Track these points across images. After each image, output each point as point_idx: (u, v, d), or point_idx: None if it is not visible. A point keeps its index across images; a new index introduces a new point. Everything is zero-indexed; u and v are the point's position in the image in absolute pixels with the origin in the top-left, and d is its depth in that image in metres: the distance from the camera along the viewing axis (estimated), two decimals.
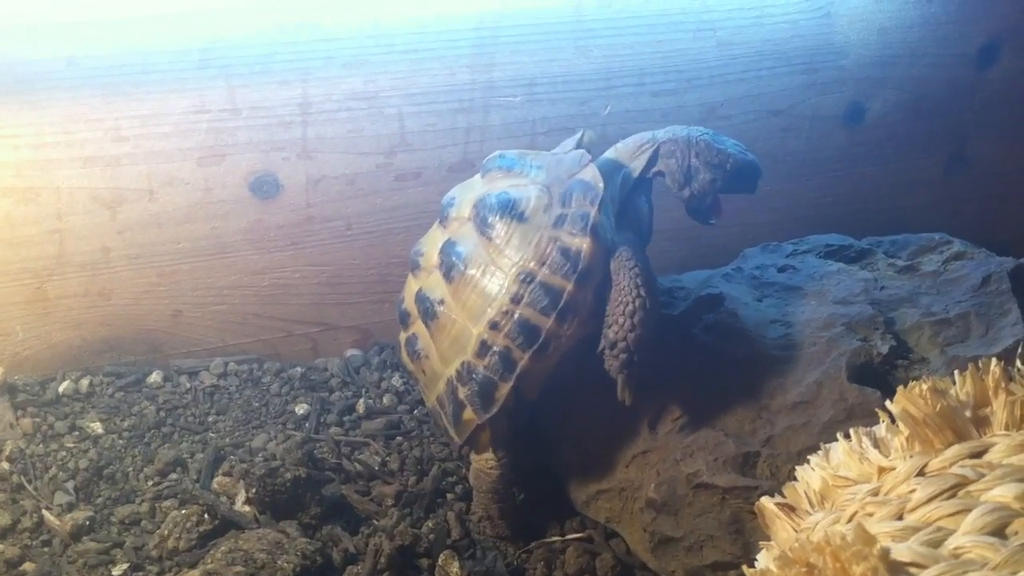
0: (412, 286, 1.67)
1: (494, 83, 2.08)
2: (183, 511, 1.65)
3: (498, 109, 2.10)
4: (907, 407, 1.09)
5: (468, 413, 1.58)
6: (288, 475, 1.65)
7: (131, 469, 1.81)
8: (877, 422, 1.20)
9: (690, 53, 2.17)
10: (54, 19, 1.85)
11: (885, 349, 1.60)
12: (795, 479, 1.23)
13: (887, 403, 1.14)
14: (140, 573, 1.57)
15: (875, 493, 1.07)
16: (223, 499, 1.71)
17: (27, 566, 1.57)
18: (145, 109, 1.91)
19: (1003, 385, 1.10)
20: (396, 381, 2.08)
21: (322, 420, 1.96)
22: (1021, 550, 0.87)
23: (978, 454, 1.04)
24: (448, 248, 1.60)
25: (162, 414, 1.95)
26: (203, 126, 1.95)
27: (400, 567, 1.56)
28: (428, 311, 1.60)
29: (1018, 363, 1.13)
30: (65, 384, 1.98)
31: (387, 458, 1.86)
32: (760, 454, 1.52)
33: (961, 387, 1.13)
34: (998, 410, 1.09)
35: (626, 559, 1.63)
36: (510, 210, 1.56)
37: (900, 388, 1.11)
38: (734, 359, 1.64)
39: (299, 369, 2.11)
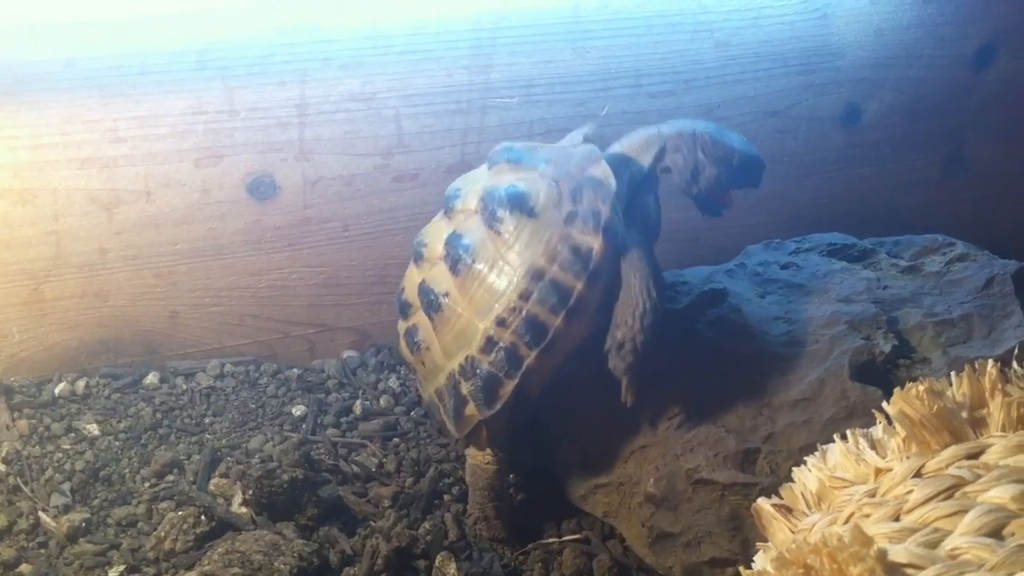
0: (414, 276, 1.66)
1: (492, 84, 2.08)
2: (180, 513, 1.64)
3: (496, 110, 2.10)
4: (904, 408, 1.09)
5: (470, 408, 1.58)
6: (285, 476, 1.65)
7: (128, 471, 1.80)
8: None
9: (687, 54, 2.17)
10: (52, 20, 1.85)
11: (887, 348, 1.60)
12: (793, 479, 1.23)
13: (884, 404, 1.14)
14: (137, 575, 1.57)
15: (872, 494, 1.07)
16: (220, 500, 1.70)
17: (23, 568, 1.57)
18: (143, 110, 1.91)
19: (1000, 386, 1.10)
20: (393, 382, 2.08)
21: (319, 421, 1.96)
22: (1018, 551, 0.87)
23: (975, 455, 1.04)
24: (454, 240, 1.58)
25: (159, 416, 1.94)
26: (200, 127, 1.95)
27: (397, 568, 1.56)
28: (432, 303, 1.59)
29: (1015, 365, 1.13)
30: (61, 386, 1.98)
31: (384, 459, 1.85)
32: (760, 450, 1.52)
33: (958, 388, 1.13)
34: (995, 411, 1.09)
35: (623, 560, 1.63)
36: (520, 204, 1.54)
37: (897, 389, 1.12)
38: (736, 355, 1.64)
39: (296, 370, 2.10)
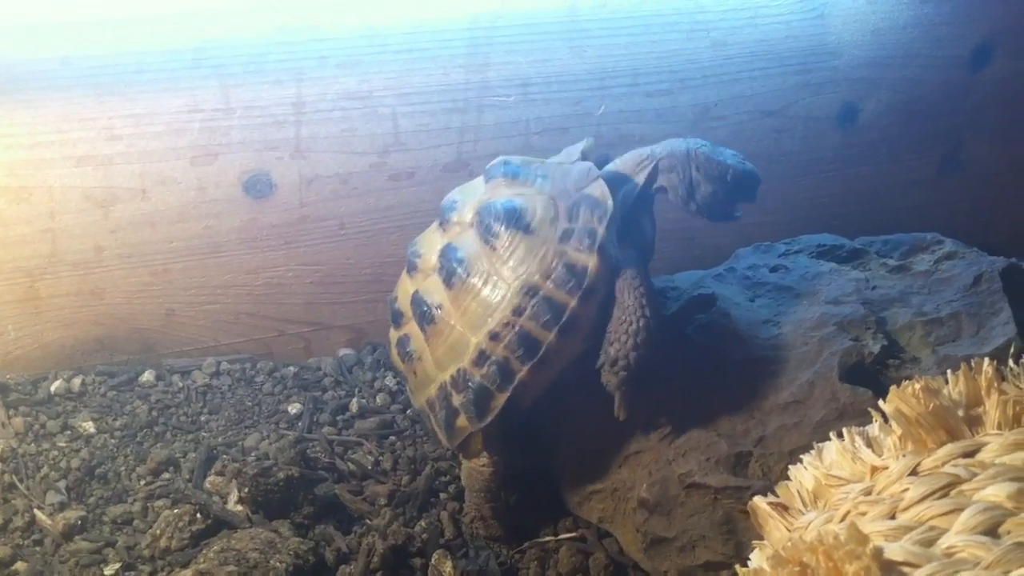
0: (407, 286, 1.66)
1: (488, 83, 2.08)
2: (175, 510, 1.64)
3: (492, 109, 2.09)
4: (900, 406, 1.09)
5: (462, 420, 1.58)
6: (281, 474, 1.65)
7: (123, 468, 1.80)
8: (869, 421, 1.20)
9: (684, 53, 2.17)
10: (49, 19, 1.85)
11: (877, 349, 1.60)
12: (788, 478, 1.23)
13: (880, 402, 1.15)
14: (132, 572, 1.57)
15: (868, 492, 1.07)
16: (216, 498, 1.70)
17: (19, 565, 1.57)
18: (138, 108, 1.91)
19: (996, 384, 1.10)
20: (389, 380, 2.08)
21: (315, 419, 1.96)
22: (1014, 549, 0.87)
23: (971, 453, 1.04)
24: (449, 253, 1.58)
25: (154, 413, 1.94)
26: (196, 125, 1.95)
27: (393, 567, 1.56)
28: (425, 314, 1.59)
29: (1011, 363, 1.13)
30: (57, 383, 1.98)
31: (380, 457, 1.85)
32: (752, 454, 1.52)
33: (954, 386, 1.13)
34: (991, 409, 1.09)
35: (619, 558, 1.63)
36: (516, 220, 1.55)
37: (893, 387, 1.12)
38: (726, 359, 1.64)
39: (292, 368, 2.10)
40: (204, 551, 1.52)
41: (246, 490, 1.64)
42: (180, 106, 1.93)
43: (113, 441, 1.86)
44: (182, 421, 1.94)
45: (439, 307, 1.58)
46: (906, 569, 0.90)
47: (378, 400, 2.03)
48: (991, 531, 0.91)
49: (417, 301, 1.61)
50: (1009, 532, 0.90)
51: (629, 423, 1.62)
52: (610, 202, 1.54)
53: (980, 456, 1.03)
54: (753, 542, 1.23)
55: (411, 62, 2.02)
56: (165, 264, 2.03)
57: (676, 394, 1.62)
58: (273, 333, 2.16)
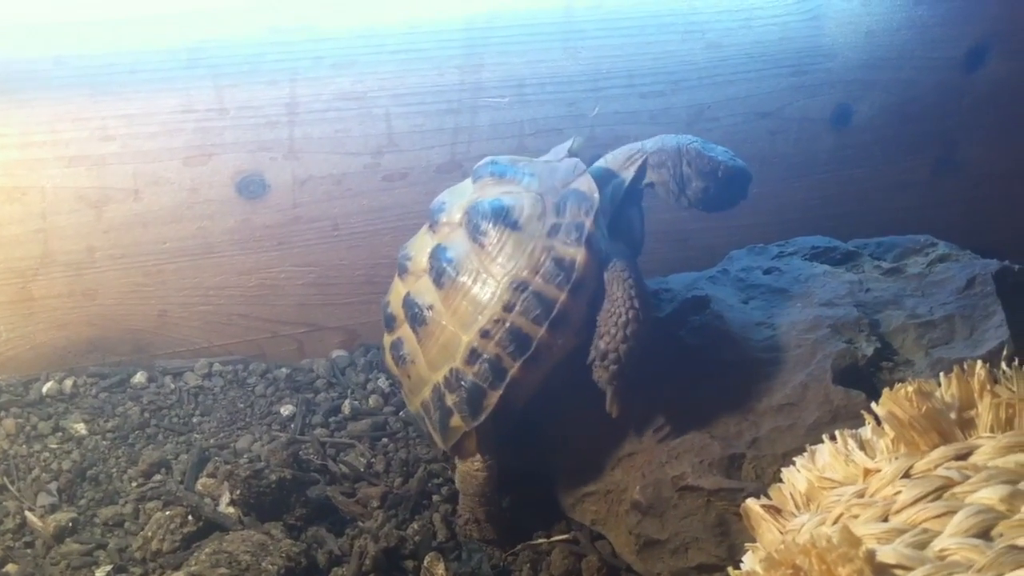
0: (399, 290, 1.66)
1: (483, 84, 2.08)
2: (167, 512, 1.64)
3: (487, 110, 2.09)
4: (893, 409, 1.09)
5: (456, 420, 1.58)
6: (273, 476, 1.64)
7: (115, 470, 1.80)
8: (862, 424, 1.20)
9: (679, 55, 2.17)
10: (42, 18, 1.84)
11: (870, 351, 1.60)
12: (781, 481, 1.23)
13: (873, 405, 1.14)
14: (124, 575, 1.56)
15: (861, 495, 1.07)
16: (207, 500, 1.70)
17: (10, 568, 1.56)
18: (132, 109, 1.91)
19: (988, 387, 1.10)
20: (382, 382, 2.08)
21: (307, 421, 1.95)
22: (1006, 552, 0.87)
23: (963, 456, 1.04)
24: (438, 253, 1.58)
25: (146, 415, 1.94)
26: (190, 126, 1.95)
27: (385, 569, 1.56)
28: (416, 316, 1.59)
29: (1003, 365, 1.13)
30: (49, 385, 1.97)
31: (373, 459, 1.85)
32: (745, 456, 1.52)
33: (946, 389, 1.13)
34: (983, 412, 1.09)
35: (612, 561, 1.63)
36: (504, 217, 1.55)
37: (886, 390, 1.12)
38: (720, 361, 1.64)
39: (285, 370, 2.10)
40: (196, 553, 1.51)
41: (238, 492, 1.64)
42: (174, 106, 1.93)
43: (105, 443, 1.86)
44: (174, 423, 1.93)
45: (430, 308, 1.58)
46: (899, 572, 0.90)
47: (371, 402, 2.02)
48: (984, 534, 0.91)
49: (409, 303, 1.61)
50: (1002, 535, 0.90)
51: (622, 425, 1.62)
52: (597, 195, 1.54)
53: (973, 459, 1.03)
54: (746, 544, 1.22)
55: (406, 63, 2.02)
56: (158, 265, 2.03)
57: (669, 396, 1.62)
58: (266, 334, 2.15)
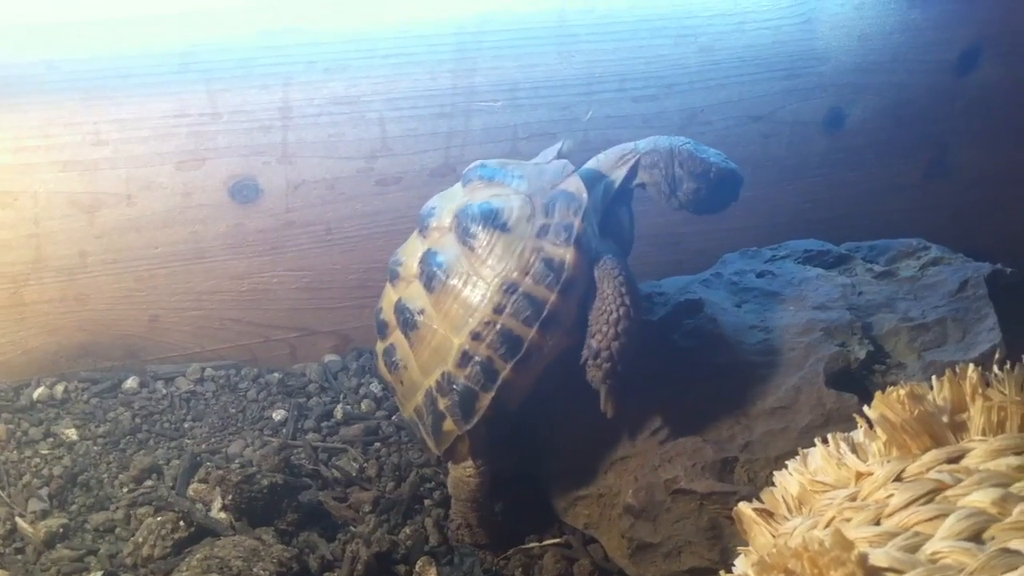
0: (391, 296, 1.66)
1: (476, 88, 2.07)
2: (158, 518, 1.63)
3: (480, 114, 2.09)
4: (885, 412, 1.09)
5: (448, 424, 1.57)
6: (265, 481, 1.64)
7: (106, 476, 1.79)
8: (855, 427, 1.20)
9: (671, 59, 2.17)
10: (33, 22, 1.83)
11: (863, 354, 1.61)
12: (773, 484, 1.23)
13: (865, 408, 1.14)
14: None
15: (853, 498, 1.07)
16: (199, 506, 1.70)
17: (1, 573, 1.56)
18: (124, 113, 1.90)
19: (980, 390, 1.10)
20: (374, 387, 2.07)
21: (299, 426, 1.95)
22: (998, 555, 0.87)
23: (955, 459, 1.04)
24: (429, 258, 1.58)
25: (138, 420, 1.93)
26: (183, 130, 1.94)
27: (377, 574, 1.56)
28: (408, 321, 1.59)
29: (995, 368, 1.13)
30: (40, 390, 1.97)
31: (365, 464, 1.85)
32: (738, 459, 1.52)
33: (938, 392, 1.13)
34: (975, 415, 1.08)
35: (604, 565, 1.63)
36: (493, 220, 1.55)
37: (878, 393, 1.11)
38: (713, 365, 1.64)
39: (277, 375, 2.09)
40: (187, 559, 1.51)
41: (230, 497, 1.63)
42: (166, 111, 1.92)
43: (96, 448, 1.85)
44: (165, 428, 1.93)
45: (421, 312, 1.57)
46: (891, 575, 0.90)
47: (363, 406, 2.02)
48: (976, 537, 0.91)
49: (400, 309, 1.61)
50: (994, 538, 0.90)
51: (615, 428, 1.62)
52: (585, 195, 1.54)
53: (965, 462, 1.03)
54: (738, 548, 1.22)
55: (399, 67, 2.02)
56: (150, 270, 2.02)
57: (663, 399, 1.62)
58: (258, 339, 2.15)
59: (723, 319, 1.70)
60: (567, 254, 1.51)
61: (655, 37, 2.15)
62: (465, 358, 1.53)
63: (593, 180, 1.63)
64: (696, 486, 1.50)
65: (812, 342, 1.63)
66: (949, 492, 0.98)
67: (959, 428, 1.09)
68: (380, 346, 1.70)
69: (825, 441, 1.19)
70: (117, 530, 1.67)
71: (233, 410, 1.98)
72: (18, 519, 1.66)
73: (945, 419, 1.09)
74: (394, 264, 1.67)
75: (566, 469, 1.69)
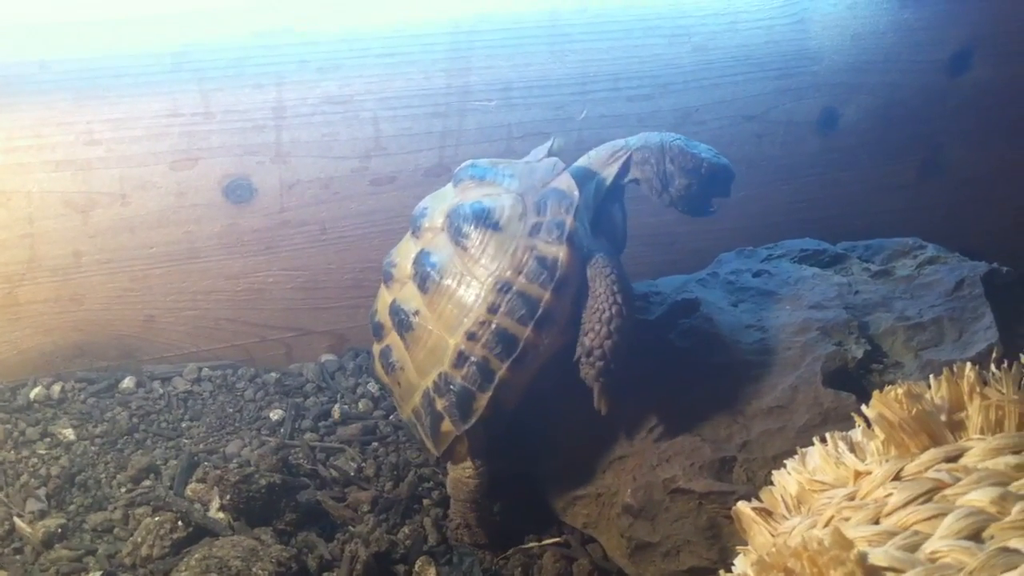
0: (385, 298, 1.66)
1: (470, 87, 2.07)
2: (156, 518, 1.63)
3: (474, 113, 2.09)
4: (883, 411, 1.10)
5: (446, 425, 1.58)
6: (263, 481, 1.64)
7: (104, 476, 1.79)
8: (852, 426, 1.20)
9: (665, 58, 2.18)
10: (25, 21, 1.83)
11: (859, 353, 1.61)
12: (771, 483, 1.23)
13: (863, 407, 1.15)
14: None
15: (852, 497, 1.07)
16: (197, 506, 1.69)
17: None
18: (118, 113, 1.90)
19: (978, 389, 1.11)
20: (372, 386, 2.07)
21: (297, 426, 1.95)
22: (997, 554, 0.87)
23: (954, 458, 1.04)
24: (422, 259, 1.59)
25: (135, 420, 1.93)
26: (176, 130, 1.94)
27: (376, 573, 1.56)
28: (403, 322, 1.59)
29: (992, 367, 1.13)
30: (36, 390, 1.96)
31: (363, 464, 1.85)
32: (736, 459, 1.53)
33: (936, 391, 1.13)
34: (973, 414, 1.09)
35: (603, 564, 1.63)
36: (484, 219, 1.55)
37: (876, 392, 1.12)
38: (710, 364, 1.64)
39: (274, 374, 2.09)
40: (185, 559, 1.51)
41: (228, 497, 1.63)
42: (160, 110, 1.92)
43: (93, 448, 1.85)
44: (163, 428, 1.92)
45: (416, 313, 1.58)
46: (890, 574, 0.90)
47: (360, 406, 2.02)
48: (975, 536, 0.91)
49: (395, 310, 1.61)
50: (993, 536, 0.91)
51: (613, 427, 1.62)
52: (576, 193, 1.55)
53: (963, 461, 1.03)
54: (737, 547, 1.23)
55: (392, 66, 2.02)
56: (145, 270, 2.02)
57: (660, 399, 1.62)
58: (254, 339, 2.15)
59: (719, 318, 1.71)
60: (560, 252, 1.51)
61: (649, 37, 2.15)
62: (461, 358, 1.53)
63: (584, 178, 1.63)
64: (694, 485, 1.51)
65: (809, 341, 1.63)
66: (948, 491, 0.98)
67: (957, 427, 1.09)
68: (376, 348, 1.70)
69: (823, 440, 1.20)
70: (115, 530, 1.67)
71: (230, 410, 1.98)
72: (16, 519, 1.66)
73: (943, 418, 1.10)
74: (388, 266, 1.67)
75: (564, 468, 1.69)
